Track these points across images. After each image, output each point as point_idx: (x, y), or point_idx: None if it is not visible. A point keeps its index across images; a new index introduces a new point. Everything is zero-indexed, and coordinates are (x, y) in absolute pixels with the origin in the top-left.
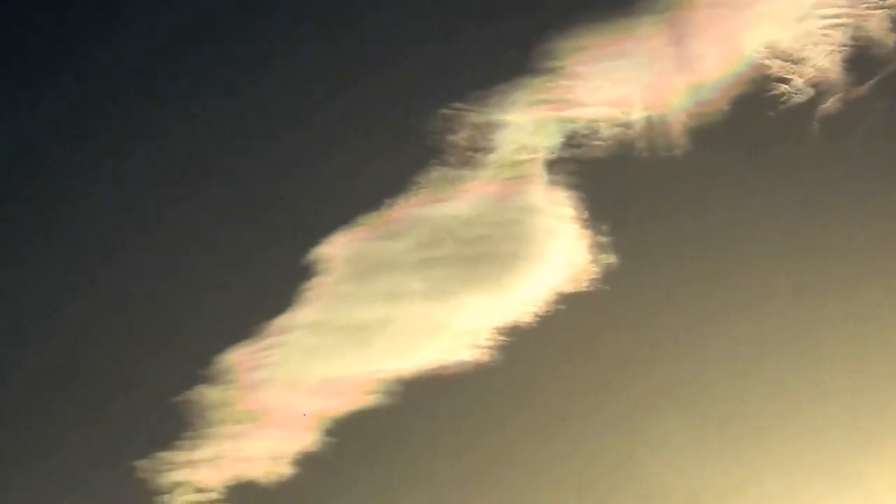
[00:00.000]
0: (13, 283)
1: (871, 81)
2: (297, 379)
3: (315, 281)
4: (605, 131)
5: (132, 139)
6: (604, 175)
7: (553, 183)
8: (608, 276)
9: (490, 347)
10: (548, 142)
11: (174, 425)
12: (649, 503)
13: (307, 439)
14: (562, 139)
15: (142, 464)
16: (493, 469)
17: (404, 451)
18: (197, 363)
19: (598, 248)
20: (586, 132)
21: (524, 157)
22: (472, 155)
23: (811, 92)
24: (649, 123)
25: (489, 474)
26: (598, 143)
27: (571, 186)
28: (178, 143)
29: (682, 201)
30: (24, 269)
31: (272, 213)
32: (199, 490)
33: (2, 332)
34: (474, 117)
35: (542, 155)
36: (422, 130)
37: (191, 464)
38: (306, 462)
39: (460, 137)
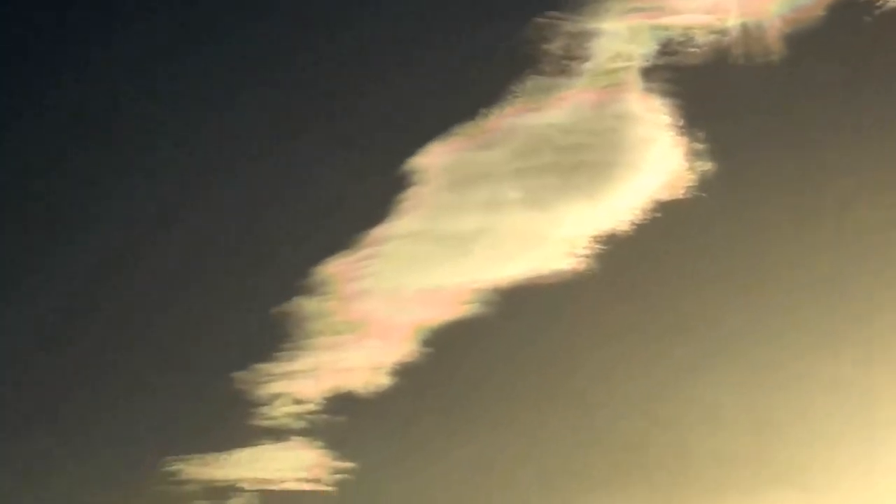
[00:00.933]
0: (117, 204)
1: None
2: (395, 289)
3: (412, 191)
4: (701, 38)
5: None
6: (699, 82)
7: (649, 90)
8: (705, 183)
9: (587, 256)
10: (643, 49)
11: (273, 337)
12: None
13: (405, 350)
14: (657, 47)
15: (241, 375)
16: (592, 378)
17: (502, 360)
18: (295, 275)
19: (695, 155)
20: (681, 39)
21: (619, 64)
22: (567, 63)
23: None
24: (745, 30)
25: (587, 384)
26: (693, 50)
27: (667, 94)
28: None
29: (777, 108)
30: (123, 193)
31: (369, 125)
32: (298, 401)
33: (108, 249)
34: (569, 26)
35: (638, 62)
36: (517, 40)
37: (289, 375)
38: (404, 372)
39: (555, 46)
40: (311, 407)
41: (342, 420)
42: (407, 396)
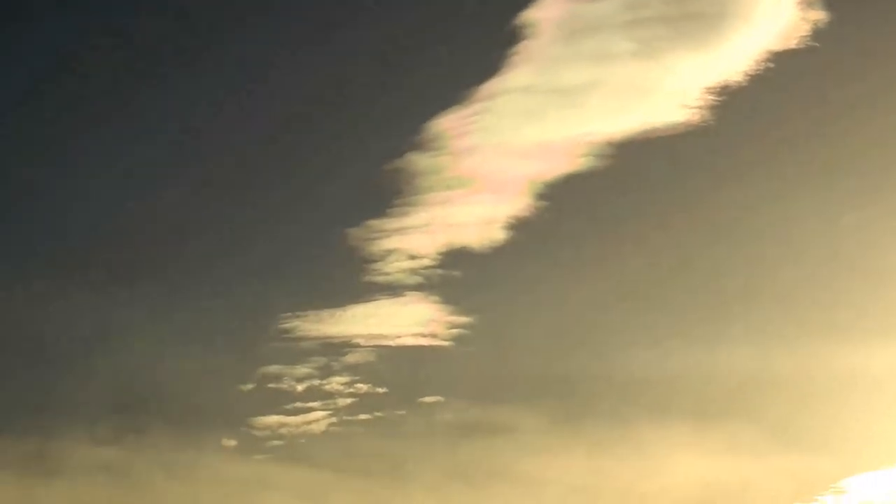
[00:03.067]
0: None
1: None
2: (507, 144)
3: (524, 45)
4: None
5: None
6: None
7: None
8: (818, 33)
9: (700, 107)
10: None
11: (385, 193)
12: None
13: (519, 204)
14: None
15: (354, 232)
16: (706, 230)
17: (616, 213)
18: (407, 131)
19: (808, 4)
20: None
21: None
22: None
23: None
24: None
25: (699, 233)
26: None
27: None
28: None
29: None
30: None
31: None
32: (412, 257)
33: (230, 94)
34: None
35: None
36: None
37: (403, 231)
38: (518, 226)
39: None
40: (426, 262)
41: (457, 275)
42: (521, 250)
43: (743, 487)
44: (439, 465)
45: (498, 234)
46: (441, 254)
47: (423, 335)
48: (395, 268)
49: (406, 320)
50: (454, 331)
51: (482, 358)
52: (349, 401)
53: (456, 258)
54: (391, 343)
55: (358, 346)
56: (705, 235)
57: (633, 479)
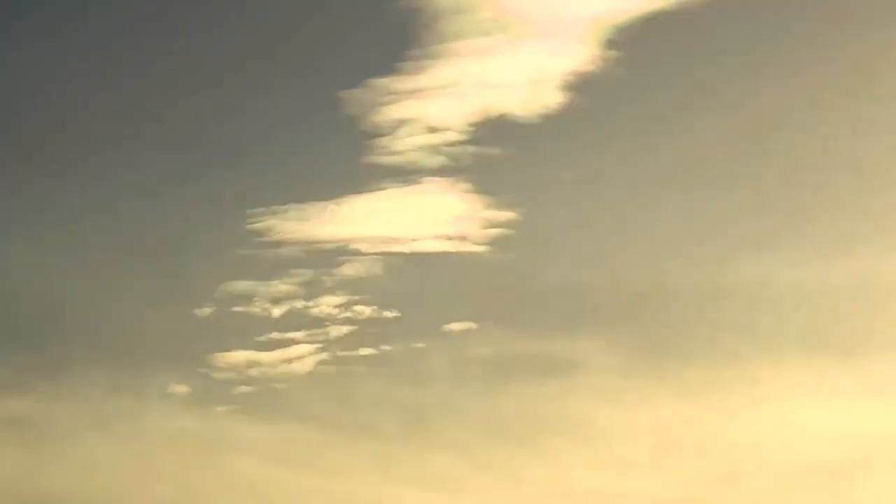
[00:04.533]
0: None
1: None
2: None
3: None
4: None
5: None
6: None
7: None
8: None
9: None
10: None
11: (395, 43)
12: None
13: (580, 55)
14: None
15: (353, 95)
16: (817, 87)
17: (712, 67)
18: None
19: None
20: None
21: None
22: None
23: None
24: None
25: (781, 93)
26: None
27: None
28: None
29: None
30: None
31: None
32: (432, 129)
33: None
34: None
35: None
36: None
37: (419, 94)
38: (578, 86)
39: None
40: (451, 137)
41: (495, 154)
42: (582, 120)
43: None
44: (470, 417)
45: (550, 98)
46: (473, 125)
47: (449, 238)
48: (409, 145)
49: (424, 217)
50: (491, 231)
51: (528, 269)
52: (345, 330)
53: (493, 131)
54: (404, 249)
55: (358, 253)
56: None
57: (737, 432)
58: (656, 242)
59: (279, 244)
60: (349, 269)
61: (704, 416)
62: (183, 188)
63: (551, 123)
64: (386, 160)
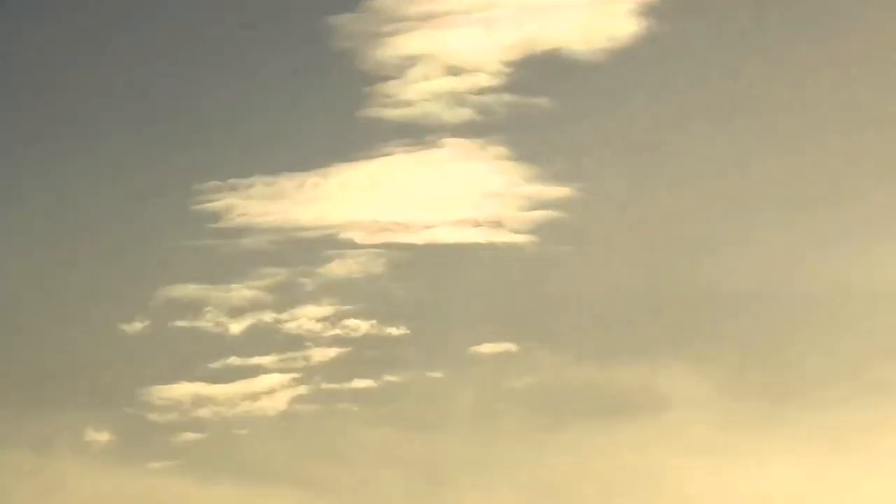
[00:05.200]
0: None
1: None
2: None
3: None
4: None
5: None
6: None
7: None
8: None
9: None
10: None
11: None
12: None
13: None
14: None
15: (339, 21)
16: None
17: None
18: None
19: None
20: None
21: None
22: None
23: None
24: None
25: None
26: None
27: None
28: None
29: None
30: None
31: None
32: (455, 70)
33: None
34: None
35: None
36: None
37: (435, 20)
38: (657, 7)
39: None
40: (480, 82)
41: (541, 105)
42: (660, 56)
43: None
44: (505, 476)
45: (619, 26)
46: (511, 65)
47: (476, 224)
48: (422, 92)
49: (443, 195)
50: (535, 215)
51: (586, 268)
52: (333, 353)
53: (539, 74)
54: (414, 240)
55: (350, 245)
56: None
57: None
58: (760, 234)
59: (240, 232)
60: (338, 268)
61: (831, 473)
62: (106, 154)
63: (619, 63)
64: (390, 114)
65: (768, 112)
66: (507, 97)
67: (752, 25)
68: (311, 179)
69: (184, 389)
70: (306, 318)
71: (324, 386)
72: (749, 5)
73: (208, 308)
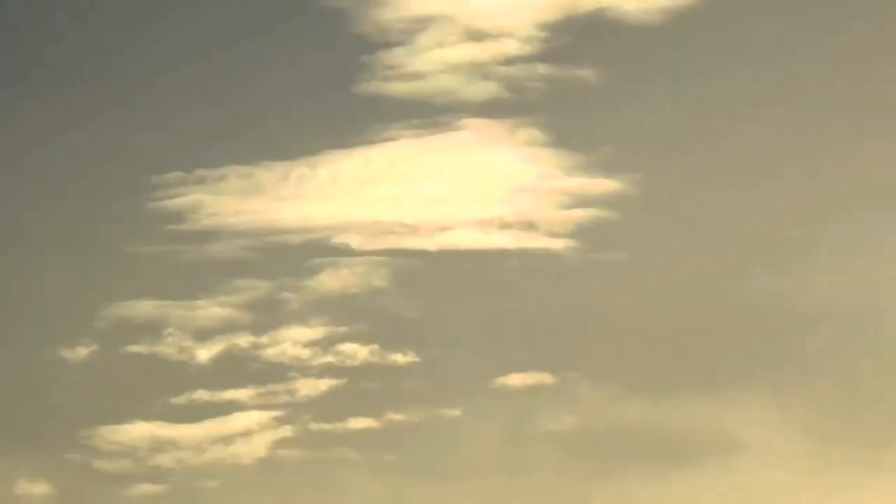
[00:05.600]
0: None
1: None
2: None
3: None
4: None
5: None
6: None
7: None
8: None
9: None
10: None
11: None
12: None
13: None
14: None
15: None
16: None
17: None
18: None
19: None
20: None
21: None
22: None
23: None
24: None
25: None
26: None
27: None
28: None
29: None
30: None
31: None
32: (477, 35)
33: None
34: None
35: None
36: None
37: None
38: None
39: None
40: (510, 48)
41: (584, 79)
42: (730, 21)
43: None
44: None
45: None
46: (545, 29)
47: (503, 225)
48: (435, 62)
49: (462, 189)
50: (577, 214)
51: (640, 279)
52: (324, 386)
53: (581, 40)
54: (426, 244)
55: (346, 251)
56: None
57: None
58: (852, 240)
59: (209, 236)
60: (330, 280)
61: None
62: (42, 139)
63: (680, 26)
64: (395, 89)
65: (867, 89)
66: (541, 68)
67: None
68: (297, 170)
69: (139, 430)
70: (291, 342)
71: (313, 426)
72: None
73: (169, 329)
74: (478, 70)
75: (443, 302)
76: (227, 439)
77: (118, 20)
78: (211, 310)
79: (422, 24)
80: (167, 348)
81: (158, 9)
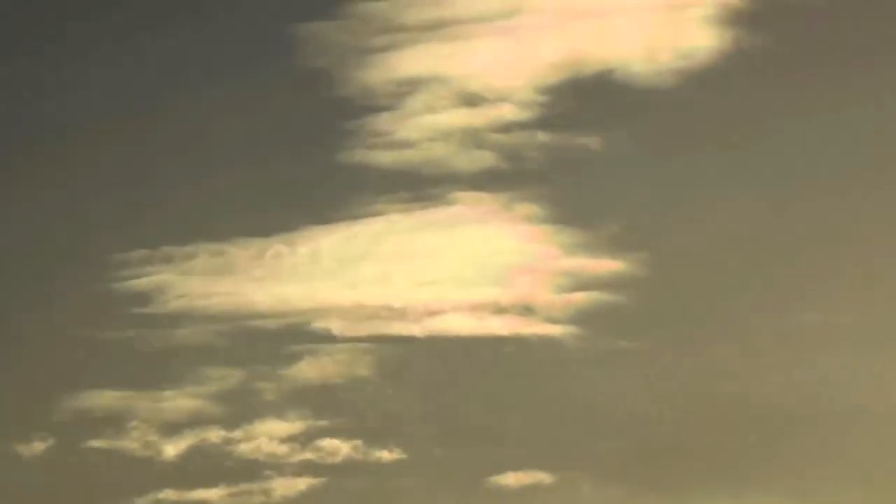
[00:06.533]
0: None
1: None
2: None
3: None
4: None
5: None
6: None
7: None
8: None
9: None
10: None
11: None
12: None
13: None
14: None
15: (312, 29)
16: None
17: None
18: None
19: None
20: None
21: None
22: None
23: None
24: None
25: None
26: None
27: None
28: None
29: None
30: None
31: None
32: (471, 98)
33: None
34: None
35: None
36: None
37: (445, 28)
38: (761, 14)
39: None
40: (507, 113)
41: (591, 147)
42: (745, 84)
43: None
44: None
45: (691, 42)
46: (546, 93)
47: (499, 310)
48: (424, 128)
49: (453, 268)
50: (576, 297)
51: (645, 368)
52: (303, 486)
53: (583, 105)
54: (414, 329)
55: (327, 337)
56: None
57: None
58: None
59: (177, 320)
60: (309, 369)
61: None
62: None
63: (693, 89)
64: (381, 158)
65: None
66: (541, 136)
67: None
68: (273, 248)
69: None
70: (266, 436)
71: None
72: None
73: (133, 422)
74: (472, 138)
75: (432, 393)
76: None
77: (81, 84)
78: (179, 401)
79: (411, 86)
80: (131, 443)
81: (124, 68)
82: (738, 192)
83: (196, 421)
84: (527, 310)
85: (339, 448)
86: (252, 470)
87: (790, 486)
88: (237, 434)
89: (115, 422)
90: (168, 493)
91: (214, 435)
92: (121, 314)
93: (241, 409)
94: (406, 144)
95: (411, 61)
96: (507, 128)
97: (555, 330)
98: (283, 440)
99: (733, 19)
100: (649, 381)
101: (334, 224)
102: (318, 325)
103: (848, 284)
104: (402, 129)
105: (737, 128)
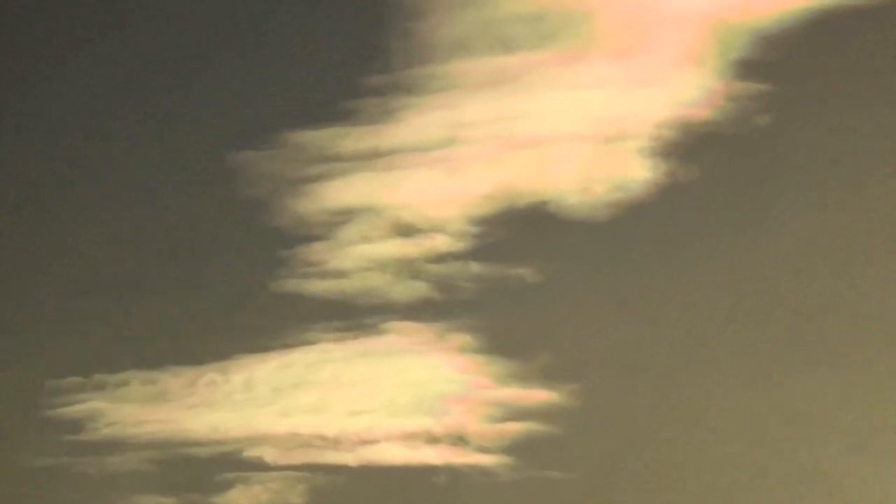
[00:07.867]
0: None
1: None
2: None
3: None
4: None
5: None
6: None
7: None
8: None
9: None
10: None
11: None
12: None
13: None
14: None
15: (241, 158)
16: None
17: None
18: None
19: None
20: None
21: None
22: None
23: None
24: None
25: None
26: None
27: None
28: None
29: None
30: None
31: None
32: (405, 229)
33: None
34: None
35: None
36: None
37: (378, 153)
38: (706, 137)
39: None
40: (440, 244)
41: (522, 278)
42: (681, 219)
43: None
44: None
45: (625, 174)
46: (480, 224)
47: (431, 439)
48: (355, 259)
49: (386, 399)
50: (510, 428)
51: (579, 500)
52: None
53: (517, 236)
54: (347, 459)
55: (258, 465)
56: None
57: None
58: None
59: (109, 448)
60: (242, 497)
61: None
62: None
63: (628, 221)
64: (316, 287)
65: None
66: (475, 266)
67: (813, 164)
68: (206, 376)
69: None
70: None
71: None
72: (809, 138)
73: None
74: (406, 268)
75: None
76: None
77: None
78: None
79: (345, 216)
80: None
81: (66, 185)
82: (671, 324)
83: None
84: (459, 439)
85: None
86: None
87: None
88: None
89: None
90: None
91: None
92: (52, 442)
93: None
94: (340, 274)
95: (345, 191)
96: (440, 258)
97: (487, 460)
98: None
99: (668, 151)
100: None
101: (268, 353)
102: (251, 453)
103: (793, 410)
104: (335, 258)
105: (671, 259)
